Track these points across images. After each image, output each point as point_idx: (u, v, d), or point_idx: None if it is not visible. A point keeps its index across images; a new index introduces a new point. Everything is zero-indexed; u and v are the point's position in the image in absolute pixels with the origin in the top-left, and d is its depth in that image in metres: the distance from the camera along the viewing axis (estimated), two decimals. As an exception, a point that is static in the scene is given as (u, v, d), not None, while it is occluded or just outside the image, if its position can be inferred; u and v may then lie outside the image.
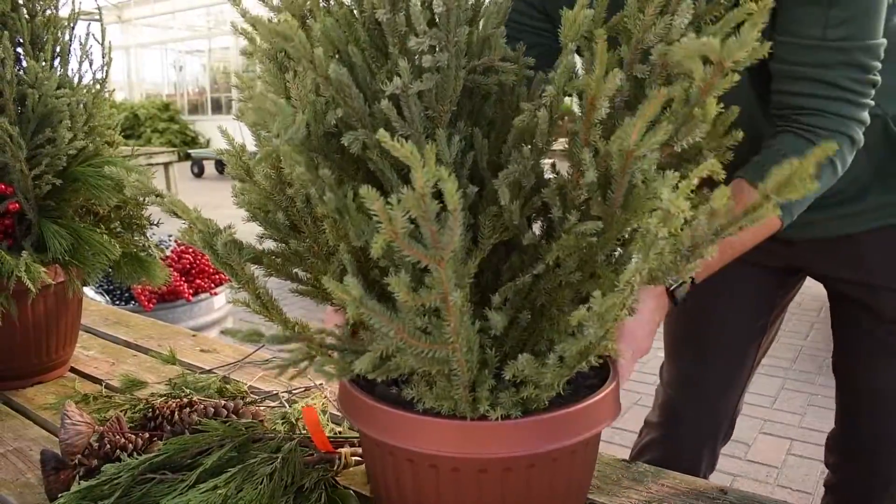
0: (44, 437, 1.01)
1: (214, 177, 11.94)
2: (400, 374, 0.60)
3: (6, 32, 1.05)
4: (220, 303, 2.79)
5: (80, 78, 1.18)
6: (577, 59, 0.63)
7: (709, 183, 0.54)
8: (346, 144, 0.59)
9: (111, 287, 2.62)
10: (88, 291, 2.49)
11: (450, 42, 0.59)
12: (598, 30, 0.53)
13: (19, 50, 1.11)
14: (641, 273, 0.51)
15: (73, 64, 1.17)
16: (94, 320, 1.56)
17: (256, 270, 0.67)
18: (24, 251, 1.07)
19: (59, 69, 1.15)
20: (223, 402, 0.96)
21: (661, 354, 1.35)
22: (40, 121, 1.09)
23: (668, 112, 0.57)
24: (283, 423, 0.97)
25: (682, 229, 0.50)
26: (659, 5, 0.61)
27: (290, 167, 0.57)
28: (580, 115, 0.56)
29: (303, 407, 0.99)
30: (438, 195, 0.43)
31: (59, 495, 0.76)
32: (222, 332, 1.22)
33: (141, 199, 1.21)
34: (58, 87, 1.10)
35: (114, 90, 1.30)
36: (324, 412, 1.02)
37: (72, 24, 1.17)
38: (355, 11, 0.65)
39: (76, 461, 0.82)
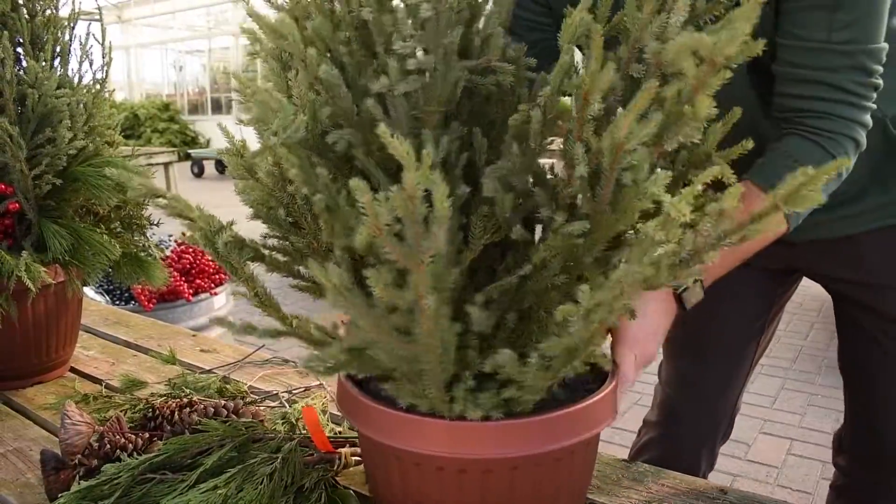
0: (44, 437, 1.01)
1: (214, 177, 11.94)
2: (382, 371, 0.60)
3: (6, 32, 1.05)
4: (220, 303, 2.79)
5: (80, 78, 1.18)
6: (580, 57, 0.63)
7: (714, 187, 0.54)
8: (330, 143, 0.59)
9: (111, 287, 2.62)
10: (88, 291, 2.49)
11: (439, 45, 0.58)
12: (595, 26, 0.53)
13: (19, 50, 1.11)
14: (635, 277, 0.51)
15: (73, 64, 1.17)
16: (94, 320, 1.56)
17: (258, 268, 0.68)
18: (24, 251, 1.07)
19: (59, 69, 1.15)
20: (223, 402, 0.96)
21: (660, 353, 1.35)
22: (40, 121, 1.09)
23: (661, 109, 0.56)
24: (283, 423, 0.97)
25: (684, 233, 0.50)
26: (656, 4, 0.60)
27: (286, 167, 0.57)
28: (575, 114, 0.56)
29: (303, 407, 0.99)
30: (429, 197, 0.43)
31: (59, 495, 0.76)
32: (216, 322, 1.23)
33: (141, 199, 1.21)
34: (58, 87, 1.10)
35: (114, 90, 1.30)
36: (324, 412, 1.02)
37: (72, 24, 1.17)
38: (340, 10, 0.64)
39: (76, 461, 0.82)
